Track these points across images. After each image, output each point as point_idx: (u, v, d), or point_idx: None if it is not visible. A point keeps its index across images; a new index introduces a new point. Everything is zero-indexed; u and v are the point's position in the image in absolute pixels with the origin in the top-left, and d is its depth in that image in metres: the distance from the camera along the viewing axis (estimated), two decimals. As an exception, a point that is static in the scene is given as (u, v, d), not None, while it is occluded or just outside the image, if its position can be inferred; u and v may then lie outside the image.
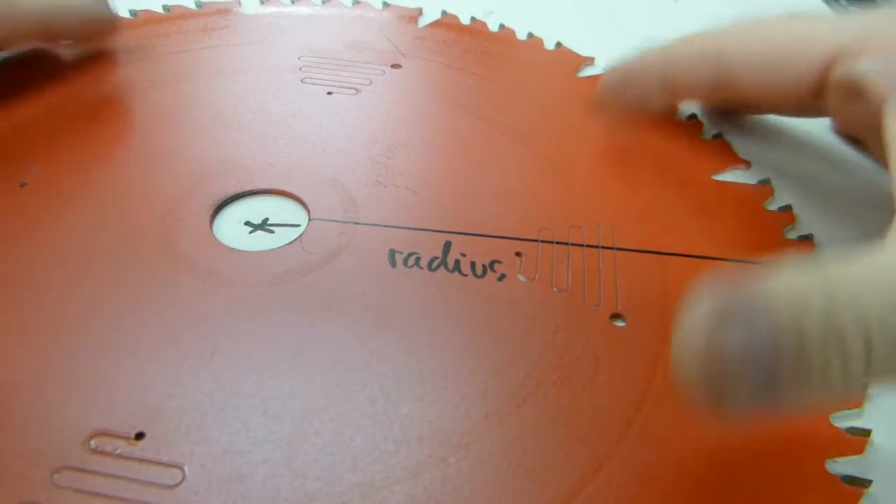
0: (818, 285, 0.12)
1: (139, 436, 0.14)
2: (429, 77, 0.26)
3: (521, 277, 0.18)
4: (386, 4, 0.30)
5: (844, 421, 0.15)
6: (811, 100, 0.19)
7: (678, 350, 0.13)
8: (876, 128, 0.17)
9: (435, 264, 0.18)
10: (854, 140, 0.21)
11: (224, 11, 0.29)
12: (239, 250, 0.18)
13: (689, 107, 0.25)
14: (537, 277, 0.18)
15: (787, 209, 0.21)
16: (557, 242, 0.19)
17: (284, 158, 0.21)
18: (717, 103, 0.24)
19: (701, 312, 0.12)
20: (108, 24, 0.23)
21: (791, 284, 0.12)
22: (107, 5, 0.23)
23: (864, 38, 0.17)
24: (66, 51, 0.26)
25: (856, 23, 0.18)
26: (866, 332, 0.11)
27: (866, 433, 0.14)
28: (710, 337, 0.12)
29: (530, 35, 0.29)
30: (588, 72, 0.27)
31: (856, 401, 0.15)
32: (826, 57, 0.18)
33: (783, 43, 0.19)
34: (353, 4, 0.30)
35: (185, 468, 0.13)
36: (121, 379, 0.15)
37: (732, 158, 0.23)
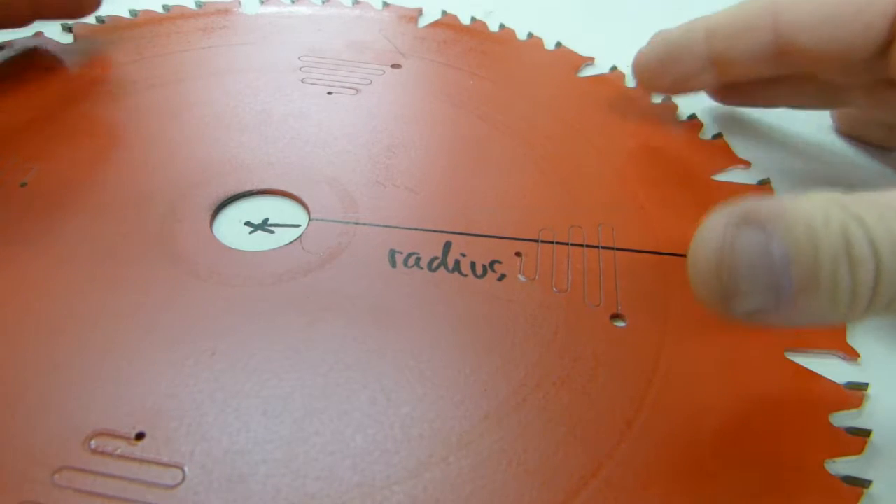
0: (839, 208, 0.12)
1: (139, 436, 0.14)
2: (429, 77, 0.26)
3: (521, 277, 0.18)
4: (386, 4, 0.30)
5: (844, 421, 0.15)
6: (876, 59, 0.18)
7: (693, 249, 0.13)
8: None
9: (435, 264, 0.18)
10: (858, 138, 0.21)
11: (224, 11, 0.29)
12: (239, 250, 0.18)
13: (688, 107, 0.25)
14: (537, 277, 0.18)
15: (787, 209, 0.21)
16: (557, 242, 0.19)
17: (284, 158, 0.21)
18: (750, 81, 0.22)
19: (721, 214, 0.12)
20: None
21: (814, 202, 0.12)
22: None
23: None
24: (65, 52, 0.26)
25: None
26: (877, 261, 0.11)
27: (866, 433, 0.14)
28: (726, 236, 0.12)
29: (530, 35, 0.29)
30: (588, 72, 0.27)
31: (856, 401, 0.15)
32: None
33: None
34: (353, 4, 0.30)
35: (186, 468, 0.13)
36: (121, 379, 0.15)
37: (732, 158, 0.23)
